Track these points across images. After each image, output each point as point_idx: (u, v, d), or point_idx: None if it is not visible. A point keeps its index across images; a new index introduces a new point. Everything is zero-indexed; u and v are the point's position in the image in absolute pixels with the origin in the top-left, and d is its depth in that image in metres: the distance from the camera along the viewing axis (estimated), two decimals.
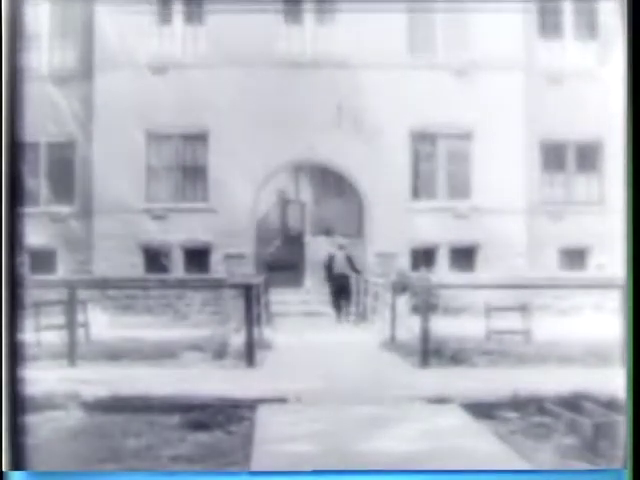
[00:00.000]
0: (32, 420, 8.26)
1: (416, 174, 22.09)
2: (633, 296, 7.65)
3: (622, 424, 7.62)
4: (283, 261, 22.18)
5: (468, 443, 8.26)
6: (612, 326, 8.44)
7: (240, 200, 21.38)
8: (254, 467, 7.59)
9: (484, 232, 21.45)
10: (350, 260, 20.57)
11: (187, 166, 21.99)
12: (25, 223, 7.92)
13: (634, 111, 7.78)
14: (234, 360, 13.46)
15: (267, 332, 16.73)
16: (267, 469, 7.45)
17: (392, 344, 15.52)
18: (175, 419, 9.45)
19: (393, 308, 16.37)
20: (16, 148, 7.85)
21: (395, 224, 21.47)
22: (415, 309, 16.18)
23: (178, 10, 21.68)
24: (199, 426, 9.16)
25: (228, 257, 21.33)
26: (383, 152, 21.35)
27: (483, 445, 8.20)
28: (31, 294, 8.27)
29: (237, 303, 16.08)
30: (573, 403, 9.38)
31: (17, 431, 7.55)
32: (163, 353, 13.88)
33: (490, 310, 15.79)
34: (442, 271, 21.64)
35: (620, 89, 7.92)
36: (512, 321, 15.71)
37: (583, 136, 21.87)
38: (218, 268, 21.56)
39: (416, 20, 21.75)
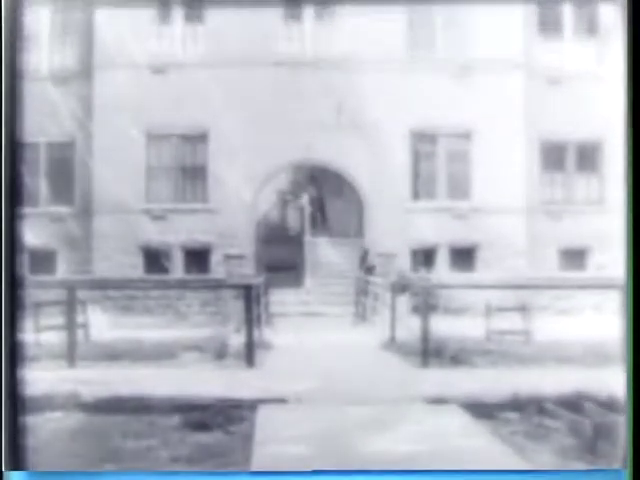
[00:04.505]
0: (32, 420, 8.25)
1: (416, 174, 22.08)
2: (633, 296, 7.64)
3: (622, 424, 7.62)
4: (283, 261, 22.17)
5: (468, 443, 8.26)
6: (612, 326, 8.44)
7: (240, 200, 21.38)
8: (254, 467, 7.59)
9: (484, 232, 21.45)
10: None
11: (187, 166, 21.99)
12: (25, 223, 7.91)
13: (634, 111, 7.78)
14: (234, 360, 13.46)
15: (267, 332, 16.72)
16: (267, 469, 7.45)
17: (392, 344, 15.51)
18: (175, 419, 9.45)
19: (393, 308, 16.36)
20: (16, 148, 7.85)
21: (395, 224, 21.47)
22: (415, 309, 16.18)
23: (178, 10, 21.68)
24: (199, 426, 9.16)
25: (228, 257, 21.32)
26: (383, 152, 21.34)
27: (483, 445, 8.20)
28: (31, 294, 8.27)
29: (237, 303, 16.08)
30: (573, 403, 9.37)
31: (17, 431, 7.54)
32: (163, 353, 13.88)
33: (490, 310, 15.79)
34: (442, 271, 21.64)
35: (620, 89, 7.91)
36: (512, 321, 15.71)
37: (583, 136, 21.88)
38: (218, 268, 21.56)
39: (416, 20, 21.75)
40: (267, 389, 10.81)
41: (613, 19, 8.22)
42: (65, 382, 10.91)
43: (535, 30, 22.11)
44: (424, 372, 12.75)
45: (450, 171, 22.11)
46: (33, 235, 18.96)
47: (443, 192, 22.09)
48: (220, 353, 13.93)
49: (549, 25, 22.26)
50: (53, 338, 14.01)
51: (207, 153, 21.80)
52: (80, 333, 14.65)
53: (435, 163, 22.12)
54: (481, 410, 9.55)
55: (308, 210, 23.45)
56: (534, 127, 21.74)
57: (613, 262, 8.81)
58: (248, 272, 20.91)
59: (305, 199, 23.78)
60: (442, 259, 21.96)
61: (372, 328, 17.80)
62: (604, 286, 15.96)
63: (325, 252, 22.25)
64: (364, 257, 21.35)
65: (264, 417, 9.47)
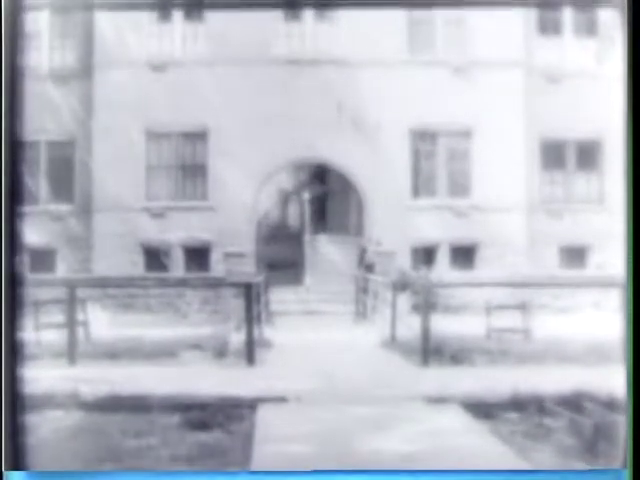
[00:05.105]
0: (32, 420, 8.25)
1: (416, 172, 22.08)
2: (633, 295, 7.63)
3: (622, 423, 7.61)
4: (283, 259, 22.17)
5: (468, 443, 8.26)
6: (612, 325, 8.43)
7: (240, 198, 21.38)
8: (254, 467, 7.58)
9: (484, 230, 21.44)
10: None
11: (187, 164, 21.99)
12: (25, 222, 7.91)
13: (634, 109, 7.77)
14: (234, 359, 13.46)
15: (267, 331, 16.72)
16: (267, 469, 7.44)
17: (392, 343, 15.52)
18: (175, 418, 9.44)
19: (393, 307, 16.35)
20: (16, 147, 7.84)
21: (395, 222, 21.46)
22: (415, 308, 16.19)
23: (177, 8, 21.66)
24: (199, 425, 9.15)
25: (228, 256, 21.32)
26: (383, 150, 21.35)
27: (483, 445, 8.20)
28: (31, 293, 8.26)
29: (237, 302, 16.08)
30: (573, 402, 9.37)
31: (17, 431, 7.54)
32: (163, 352, 13.87)
33: (490, 308, 15.78)
34: (442, 269, 21.63)
35: (620, 87, 7.90)
36: (512, 320, 15.71)
37: (583, 134, 21.87)
38: (218, 267, 21.55)
39: (416, 18, 21.74)
40: (267, 388, 10.80)
41: (613, 18, 8.20)
42: (65, 381, 10.90)
43: (535, 28, 22.11)
44: (424, 371, 12.75)
45: (450, 169, 22.11)
46: (33, 234, 18.96)
47: (443, 190, 22.08)
48: (220, 351, 13.93)
49: (549, 23, 22.25)
50: (53, 336, 14.01)
51: (207, 151, 21.80)
52: (80, 331, 14.66)
53: (435, 161, 22.12)
54: (481, 409, 9.54)
55: (308, 208, 23.46)
56: (534, 125, 21.73)
57: (613, 260, 8.81)
58: (248, 270, 20.90)
59: (305, 197, 23.78)
60: (442, 257, 21.96)
61: (372, 326, 17.80)
62: (604, 284, 15.97)
63: (325, 250, 22.25)
64: (363, 255, 21.36)
65: (264, 416, 9.47)
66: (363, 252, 21.43)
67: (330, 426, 8.98)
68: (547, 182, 22.29)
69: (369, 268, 20.78)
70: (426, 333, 13.43)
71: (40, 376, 8.83)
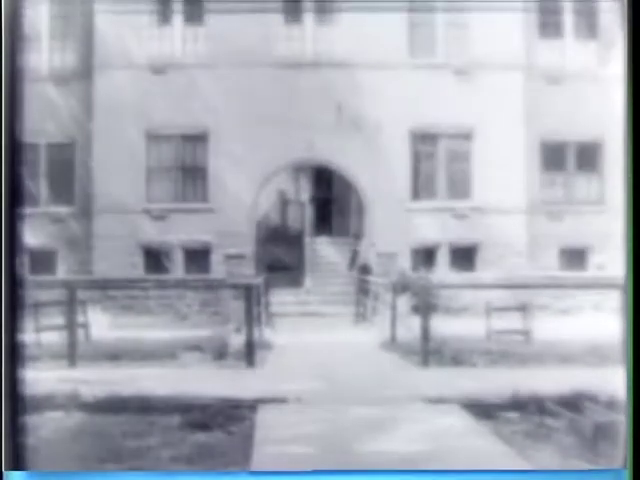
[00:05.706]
0: (32, 420, 8.25)
1: (416, 174, 22.07)
2: (633, 296, 7.63)
3: (622, 424, 7.61)
4: (283, 261, 22.17)
5: (469, 443, 8.26)
6: (612, 326, 8.43)
7: (240, 200, 21.37)
8: (254, 467, 7.58)
9: (484, 232, 21.44)
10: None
11: (187, 166, 21.99)
12: (25, 223, 7.91)
13: (634, 111, 7.77)
14: (234, 360, 13.47)
15: (267, 332, 16.72)
16: (267, 469, 7.44)
17: (392, 344, 15.52)
18: (175, 419, 9.45)
19: (393, 308, 16.37)
20: (16, 148, 7.84)
21: (395, 224, 21.45)
22: (415, 309, 16.19)
23: (178, 10, 21.67)
24: (199, 426, 9.15)
25: (228, 257, 21.32)
26: (383, 152, 21.33)
27: (484, 445, 8.20)
28: (31, 294, 8.26)
29: (237, 303, 16.09)
30: (573, 403, 9.37)
31: (17, 431, 7.54)
32: (163, 353, 13.89)
33: (490, 310, 15.79)
34: (442, 271, 21.63)
35: (620, 89, 7.91)
36: (512, 321, 15.71)
37: (583, 136, 21.86)
38: (218, 268, 21.55)
39: (416, 20, 21.74)
40: (267, 389, 10.81)
41: (613, 19, 8.20)
42: (65, 382, 10.91)
43: (535, 30, 22.11)
44: (424, 372, 12.76)
45: (450, 171, 22.11)
46: (33, 235, 18.96)
47: (443, 192, 22.08)
48: (220, 353, 13.94)
49: (549, 25, 22.25)
50: (53, 338, 14.03)
51: (207, 153, 21.80)
52: (80, 333, 14.67)
53: (435, 163, 22.12)
54: (481, 410, 9.55)
55: (308, 210, 23.45)
56: (534, 127, 21.73)
57: (613, 262, 8.81)
58: (248, 272, 20.91)
59: (305, 199, 23.78)
60: (442, 259, 21.95)
61: (372, 328, 17.81)
62: (604, 286, 15.98)
63: (325, 252, 22.26)
64: (354, 257, 21.41)
65: (264, 417, 9.47)
66: (355, 254, 21.48)
67: (330, 427, 8.98)
68: (547, 183, 22.29)
69: (364, 270, 20.80)
70: (426, 334, 13.44)
71: (40, 377, 8.83)
